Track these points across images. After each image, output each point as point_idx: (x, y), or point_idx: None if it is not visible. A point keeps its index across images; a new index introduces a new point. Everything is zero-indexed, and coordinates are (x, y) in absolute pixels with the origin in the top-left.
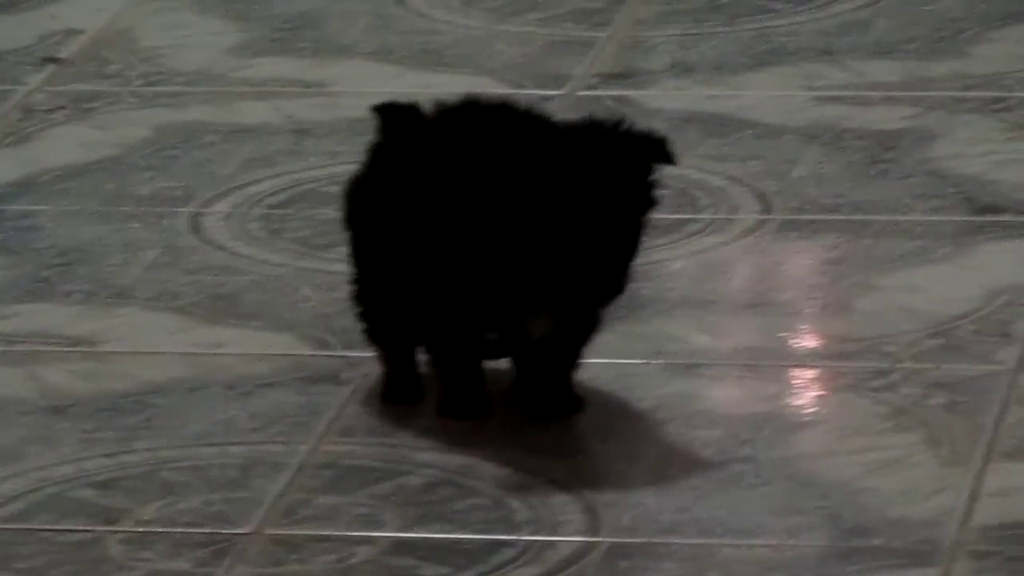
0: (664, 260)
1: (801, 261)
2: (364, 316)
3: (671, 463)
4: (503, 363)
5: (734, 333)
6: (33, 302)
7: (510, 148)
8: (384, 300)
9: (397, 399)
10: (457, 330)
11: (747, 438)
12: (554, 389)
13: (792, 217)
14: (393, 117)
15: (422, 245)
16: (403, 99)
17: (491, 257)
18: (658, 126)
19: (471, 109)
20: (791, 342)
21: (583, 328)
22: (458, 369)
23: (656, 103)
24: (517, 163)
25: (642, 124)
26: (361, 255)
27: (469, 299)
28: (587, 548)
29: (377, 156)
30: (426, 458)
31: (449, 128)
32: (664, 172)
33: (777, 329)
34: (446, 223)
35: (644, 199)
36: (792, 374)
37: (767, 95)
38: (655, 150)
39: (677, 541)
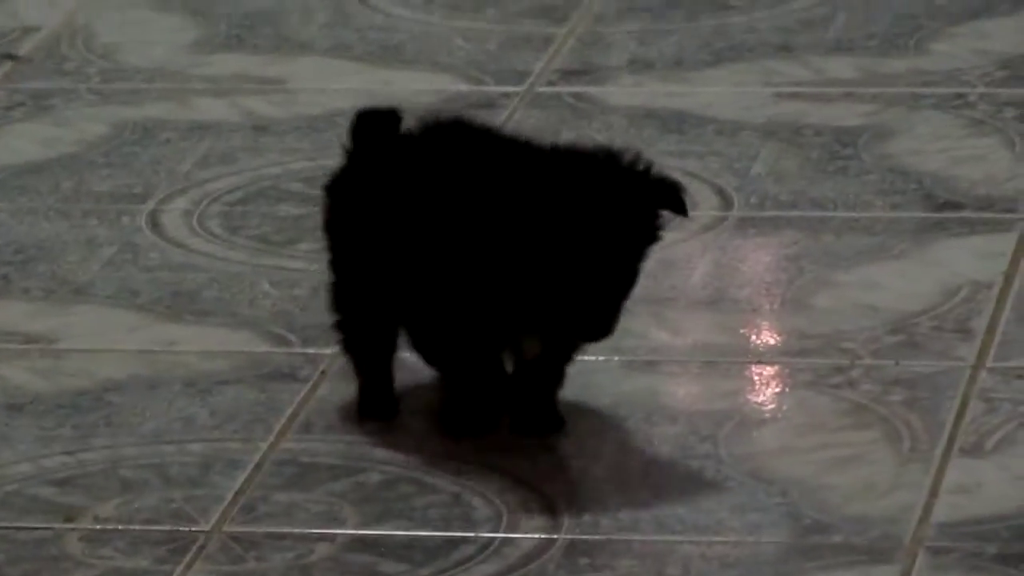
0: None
1: (760, 257)
2: (341, 325)
3: (631, 459)
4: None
5: (693, 329)
6: None
7: (514, 170)
8: (365, 310)
9: (373, 414)
10: (454, 345)
11: (707, 435)
12: (539, 406)
13: (751, 214)
14: (374, 125)
15: (414, 260)
16: (382, 104)
17: (486, 279)
18: (616, 122)
19: (461, 127)
20: (750, 338)
21: (570, 348)
22: (465, 386)
23: (615, 99)
24: (521, 187)
25: (658, 169)
26: (342, 262)
27: (460, 315)
28: (546, 545)
29: (365, 161)
30: (385, 455)
31: (445, 144)
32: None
33: (736, 325)
34: (440, 242)
35: (646, 241)
36: (751, 371)
37: (726, 91)
38: (668, 196)
39: (637, 538)
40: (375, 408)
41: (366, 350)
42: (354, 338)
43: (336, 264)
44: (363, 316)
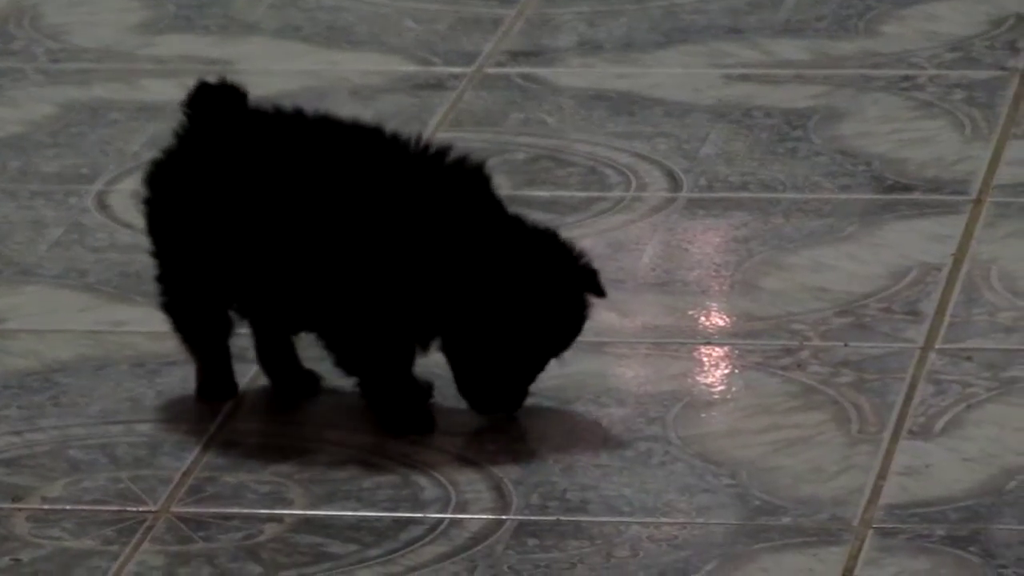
0: (573, 238)
1: (709, 239)
2: (168, 309)
3: (579, 441)
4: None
5: (642, 311)
6: None
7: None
8: (194, 296)
9: (211, 395)
10: (368, 351)
11: (655, 416)
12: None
13: (700, 195)
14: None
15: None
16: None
17: (400, 296)
18: (566, 103)
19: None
20: (699, 320)
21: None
22: (393, 387)
23: (564, 81)
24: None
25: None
26: (175, 249)
27: (369, 322)
28: (495, 526)
29: (202, 141)
30: (333, 436)
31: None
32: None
33: (685, 307)
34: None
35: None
36: (700, 352)
37: (675, 73)
38: (588, 281)
39: (585, 519)
40: (214, 389)
41: (198, 332)
42: (185, 321)
43: (164, 250)
44: (193, 301)
